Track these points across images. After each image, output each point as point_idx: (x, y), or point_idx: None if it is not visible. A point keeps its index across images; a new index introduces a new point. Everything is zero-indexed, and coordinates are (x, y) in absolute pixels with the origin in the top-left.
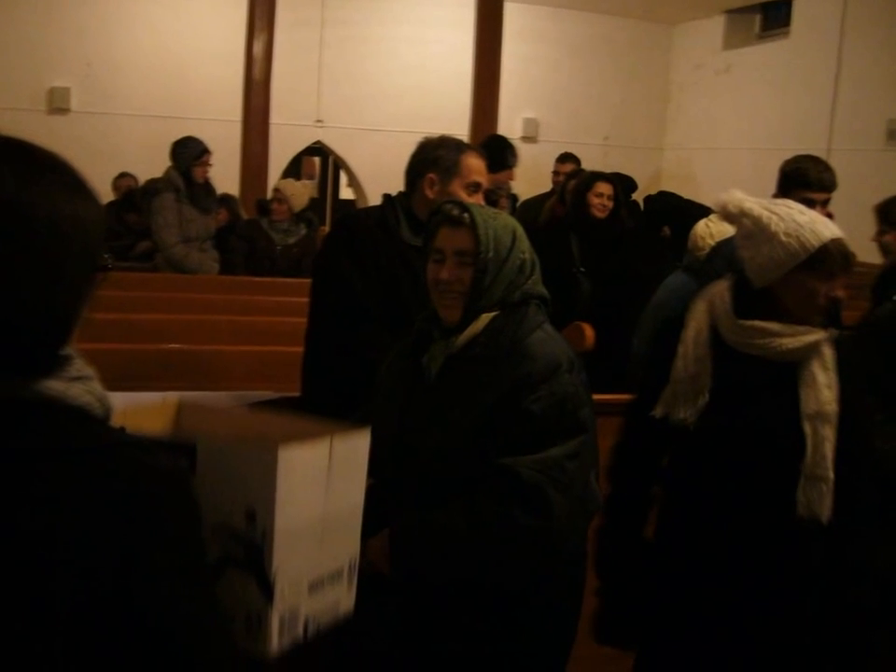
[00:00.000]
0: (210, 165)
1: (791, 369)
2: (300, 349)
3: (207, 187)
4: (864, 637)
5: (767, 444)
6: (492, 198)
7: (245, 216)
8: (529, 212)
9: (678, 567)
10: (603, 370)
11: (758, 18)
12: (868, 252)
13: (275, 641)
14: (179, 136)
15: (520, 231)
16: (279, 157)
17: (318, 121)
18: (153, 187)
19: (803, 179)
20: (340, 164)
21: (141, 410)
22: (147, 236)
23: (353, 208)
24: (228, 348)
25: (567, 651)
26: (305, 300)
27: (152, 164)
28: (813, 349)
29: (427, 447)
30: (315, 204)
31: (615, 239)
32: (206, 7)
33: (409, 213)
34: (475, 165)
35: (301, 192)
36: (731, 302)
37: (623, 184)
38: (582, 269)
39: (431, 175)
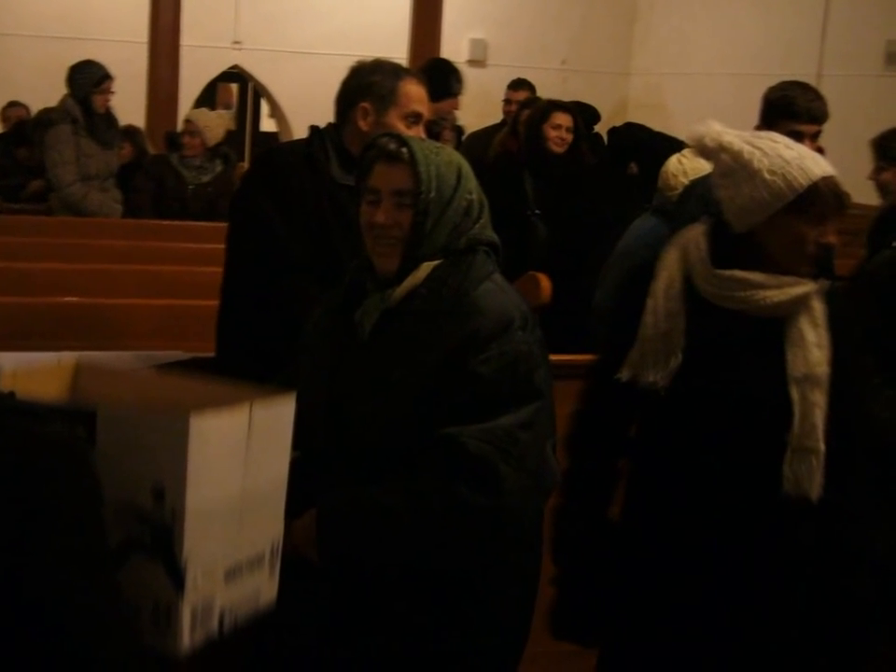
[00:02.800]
0: (112, 93)
1: (777, 325)
2: (214, 303)
3: (109, 118)
4: (860, 631)
5: (749, 412)
6: (434, 130)
7: (151, 151)
8: (477, 146)
9: (647, 552)
10: (561, 326)
11: None
12: (864, 192)
13: (187, 637)
14: (77, 60)
15: (466, 168)
16: (191, 83)
17: (236, 43)
18: (47, 117)
19: (789, 109)
20: (260, 92)
21: (33, 372)
22: (41, 174)
23: (275, 142)
24: (132, 301)
25: (521, 648)
26: (221, 246)
27: (46, 92)
28: (801, 303)
29: (361, 415)
30: (233, 138)
31: (575, 177)
32: None
33: (339, 147)
34: (415, 93)
35: (216, 124)
36: (707, 250)
37: (583, 114)
38: (538, 211)
39: (365, 105)
